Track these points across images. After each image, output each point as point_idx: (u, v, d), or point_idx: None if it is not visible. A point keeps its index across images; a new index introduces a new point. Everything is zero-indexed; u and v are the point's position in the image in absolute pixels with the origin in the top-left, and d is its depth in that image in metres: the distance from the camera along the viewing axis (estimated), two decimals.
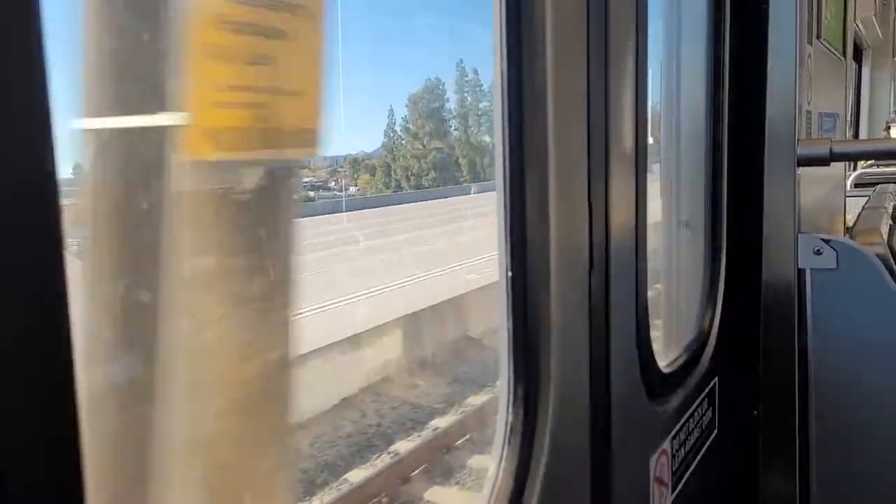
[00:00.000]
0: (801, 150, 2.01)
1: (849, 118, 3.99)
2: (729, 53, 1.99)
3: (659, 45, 2.01)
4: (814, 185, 2.28)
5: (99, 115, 0.78)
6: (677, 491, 1.67)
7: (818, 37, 2.28)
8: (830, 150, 2.04)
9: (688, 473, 1.74)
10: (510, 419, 1.15)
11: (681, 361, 1.81)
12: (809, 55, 2.17)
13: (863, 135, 9.10)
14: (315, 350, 6.66)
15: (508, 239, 1.15)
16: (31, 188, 0.49)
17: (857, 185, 4.68)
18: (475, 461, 6.20)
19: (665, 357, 1.84)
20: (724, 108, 2.00)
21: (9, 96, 0.47)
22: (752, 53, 2.01)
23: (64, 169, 0.52)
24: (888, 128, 6.58)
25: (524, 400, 1.16)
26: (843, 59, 2.85)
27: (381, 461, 6.35)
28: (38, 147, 0.49)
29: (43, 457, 0.50)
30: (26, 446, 0.49)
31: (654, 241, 1.95)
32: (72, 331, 0.52)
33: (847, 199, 3.17)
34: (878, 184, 4.25)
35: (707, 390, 1.89)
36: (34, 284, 0.49)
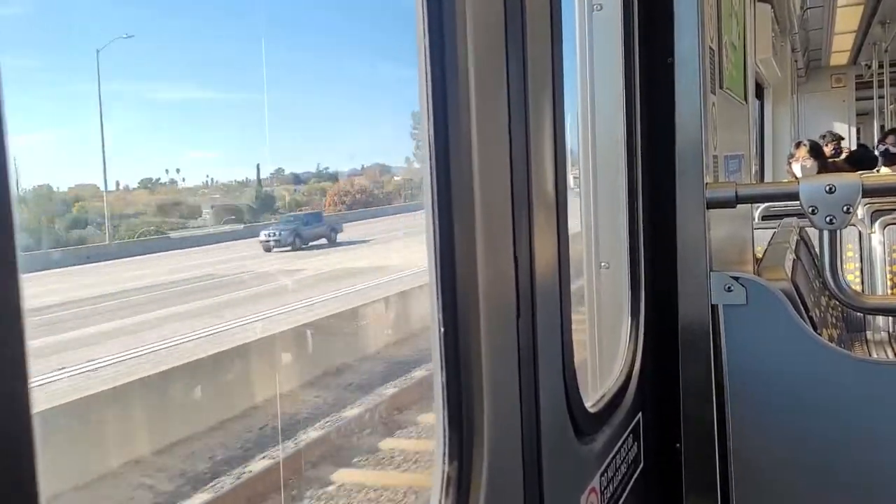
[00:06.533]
0: (710, 194, 2.14)
1: (753, 156, 4.24)
2: (640, 104, 2.11)
3: (576, 98, 2.12)
4: (725, 219, 2.42)
5: None
6: None
7: (721, 86, 2.44)
8: (736, 193, 2.17)
9: None
10: (446, 469, 1.18)
11: (606, 400, 1.88)
12: (713, 103, 2.31)
13: (768, 167, 9.63)
14: None
15: (439, 295, 1.19)
16: None
17: (764, 218, 4.94)
18: None
19: (591, 396, 1.91)
20: (638, 155, 2.11)
21: None
22: (662, 104, 2.14)
23: None
24: (789, 163, 6.97)
25: (459, 451, 1.19)
26: (744, 103, 3.04)
27: None
28: None
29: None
30: None
31: (578, 282, 2.03)
32: (25, 335, 0.52)
33: (756, 230, 3.36)
34: (783, 216, 4.50)
35: (632, 426, 1.97)
36: None
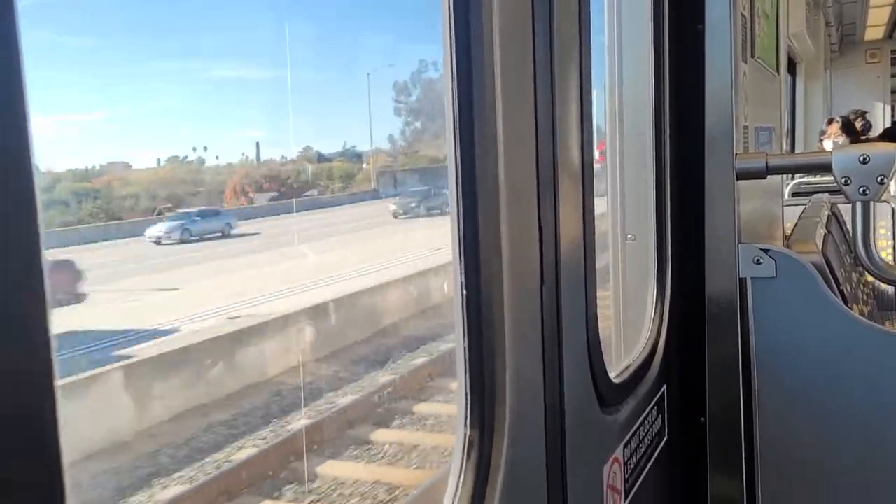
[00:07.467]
0: (739, 164, 2.10)
1: (784, 130, 4.16)
2: (669, 73, 2.07)
3: (603, 67, 2.08)
4: (754, 194, 2.37)
5: None
6: (630, 497, 1.72)
7: (752, 55, 2.38)
8: (766, 163, 2.13)
9: (640, 480, 1.79)
10: (468, 433, 1.18)
11: (631, 371, 1.86)
12: (745, 73, 2.26)
13: (799, 144, 9.45)
14: None
15: (462, 259, 1.18)
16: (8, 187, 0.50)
17: (794, 195, 4.86)
18: None
19: (616, 367, 1.90)
20: (666, 126, 2.07)
21: None
22: (691, 72, 2.09)
23: None
24: (821, 140, 6.83)
25: (480, 414, 1.18)
26: (776, 74, 2.98)
27: None
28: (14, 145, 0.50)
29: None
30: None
31: (603, 253, 2.01)
32: (49, 330, 0.53)
33: (785, 207, 3.30)
34: (813, 193, 4.42)
35: (656, 398, 1.95)
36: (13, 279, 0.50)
